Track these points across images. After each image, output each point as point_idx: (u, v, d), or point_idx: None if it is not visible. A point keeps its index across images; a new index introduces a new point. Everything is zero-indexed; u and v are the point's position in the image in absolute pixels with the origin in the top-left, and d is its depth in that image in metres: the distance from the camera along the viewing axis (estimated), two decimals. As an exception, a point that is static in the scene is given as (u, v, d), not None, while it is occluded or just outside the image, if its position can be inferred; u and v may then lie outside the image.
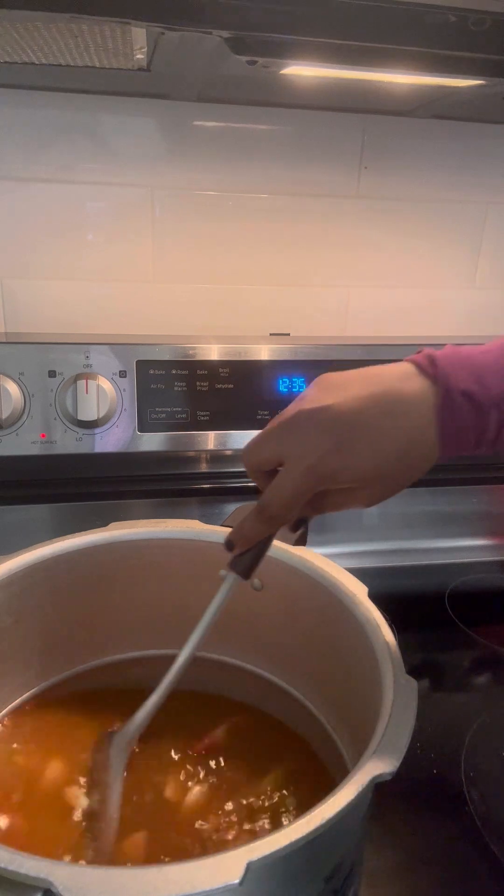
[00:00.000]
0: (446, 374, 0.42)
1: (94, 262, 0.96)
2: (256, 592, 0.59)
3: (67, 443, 0.84)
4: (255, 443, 0.45)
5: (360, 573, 0.54)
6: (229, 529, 0.60)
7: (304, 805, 0.47)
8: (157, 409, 0.86)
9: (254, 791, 0.51)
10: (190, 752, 0.54)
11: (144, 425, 0.86)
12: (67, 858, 0.45)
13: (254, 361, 0.88)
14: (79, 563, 0.58)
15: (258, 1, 0.55)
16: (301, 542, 0.59)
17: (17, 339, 0.86)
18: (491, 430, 0.42)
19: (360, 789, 0.35)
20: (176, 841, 0.47)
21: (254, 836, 0.47)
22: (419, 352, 0.44)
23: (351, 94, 0.83)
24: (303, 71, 0.68)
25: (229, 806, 0.50)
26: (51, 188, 0.91)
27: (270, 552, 0.57)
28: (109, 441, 0.85)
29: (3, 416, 0.80)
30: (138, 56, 0.66)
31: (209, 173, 0.95)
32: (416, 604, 0.89)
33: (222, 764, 0.53)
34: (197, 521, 0.61)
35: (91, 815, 0.48)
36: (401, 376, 0.43)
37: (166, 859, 0.45)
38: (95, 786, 0.50)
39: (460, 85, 0.72)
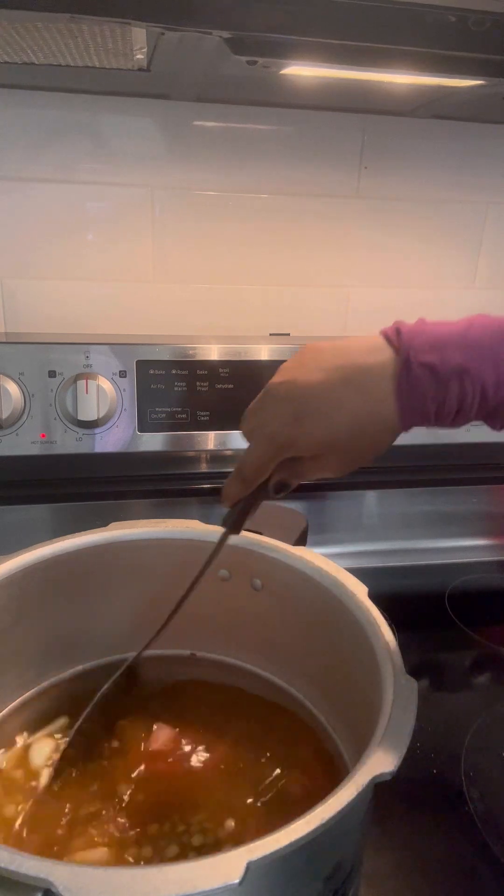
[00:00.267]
0: (408, 345, 0.43)
1: (94, 262, 0.96)
2: (256, 592, 0.59)
3: (67, 443, 0.84)
4: (244, 415, 0.49)
5: (360, 573, 0.54)
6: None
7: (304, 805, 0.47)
8: (157, 409, 0.86)
9: (253, 790, 0.51)
10: (189, 752, 0.54)
11: (144, 425, 0.86)
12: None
13: (254, 361, 0.88)
14: (79, 563, 0.58)
15: (258, 1, 0.55)
16: (301, 541, 0.59)
17: (17, 339, 0.86)
18: (450, 402, 0.43)
19: (360, 789, 0.35)
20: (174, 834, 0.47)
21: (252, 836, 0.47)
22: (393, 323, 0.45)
23: (351, 94, 0.83)
24: (303, 71, 0.68)
25: (228, 805, 0.50)
26: (51, 188, 0.91)
27: (269, 552, 0.58)
28: (109, 441, 0.85)
29: (3, 416, 0.80)
30: (138, 56, 0.66)
31: (209, 173, 0.95)
32: (416, 604, 0.89)
33: (222, 764, 0.53)
34: (197, 521, 0.61)
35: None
36: (369, 349, 0.44)
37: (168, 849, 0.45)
38: None
39: (460, 85, 0.72)
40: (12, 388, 0.81)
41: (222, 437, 0.89)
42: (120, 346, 0.84)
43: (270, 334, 0.97)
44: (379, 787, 0.37)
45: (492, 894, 0.52)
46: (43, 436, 0.83)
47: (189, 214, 0.96)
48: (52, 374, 0.82)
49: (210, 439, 0.88)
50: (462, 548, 1.00)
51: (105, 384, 0.83)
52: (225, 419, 0.88)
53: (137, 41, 0.61)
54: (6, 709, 0.57)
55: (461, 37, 0.58)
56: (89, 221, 0.94)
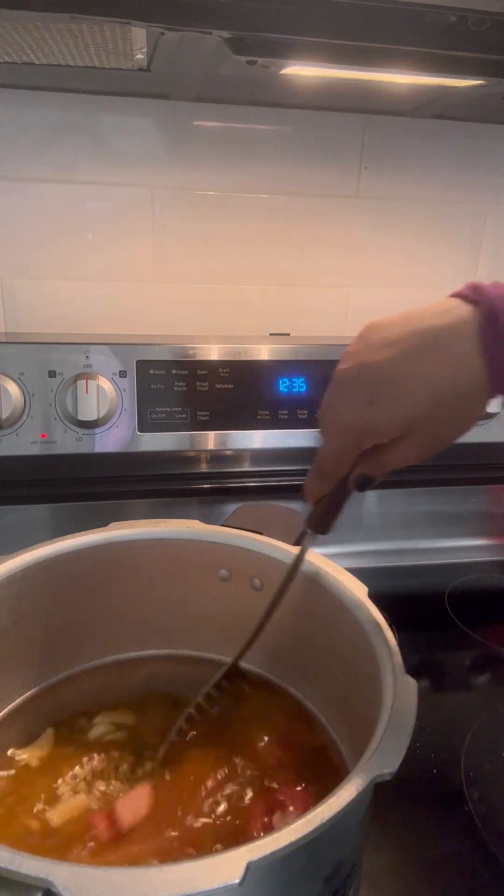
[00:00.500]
0: (491, 296, 0.40)
1: (94, 262, 0.96)
2: (256, 592, 0.59)
3: (67, 443, 0.84)
4: (320, 411, 0.46)
5: (360, 573, 0.54)
6: (229, 529, 0.60)
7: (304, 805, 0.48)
8: (157, 409, 0.86)
9: (252, 791, 0.51)
10: (188, 751, 0.54)
11: (144, 425, 0.86)
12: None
13: (254, 361, 0.88)
14: (79, 563, 0.58)
15: (258, 1, 0.55)
16: (301, 541, 0.58)
17: (17, 339, 0.86)
18: None
19: (360, 789, 0.35)
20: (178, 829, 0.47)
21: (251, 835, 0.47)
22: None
23: (351, 94, 0.83)
24: (303, 71, 0.68)
25: (228, 805, 0.50)
26: (51, 188, 0.91)
27: (269, 552, 0.58)
28: (109, 441, 0.85)
29: (3, 416, 0.80)
30: (138, 56, 0.66)
31: (209, 173, 0.95)
32: (416, 604, 0.89)
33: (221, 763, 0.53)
34: (197, 521, 0.61)
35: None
36: (440, 311, 0.41)
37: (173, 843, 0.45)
38: None
39: (460, 85, 0.72)
40: (12, 388, 0.81)
41: (222, 437, 0.89)
42: (120, 346, 0.84)
43: (270, 334, 0.97)
44: (379, 787, 0.37)
45: (492, 894, 0.52)
46: (43, 436, 0.83)
47: (189, 214, 0.96)
48: (52, 374, 0.82)
49: (210, 439, 0.88)
50: (462, 548, 1.00)
51: (105, 384, 0.83)
52: (225, 419, 0.88)
53: (137, 41, 0.61)
54: (6, 709, 0.57)
55: (461, 37, 0.58)
56: (89, 221, 0.94)
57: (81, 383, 0.82)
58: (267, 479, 0.91)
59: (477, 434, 0.68)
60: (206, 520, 0.61)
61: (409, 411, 0.41)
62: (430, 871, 0.53)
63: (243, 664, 0.59)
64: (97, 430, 0.84)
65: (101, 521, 0.60)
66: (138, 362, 0.84)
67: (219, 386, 0.87)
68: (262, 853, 0.31)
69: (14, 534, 0.85)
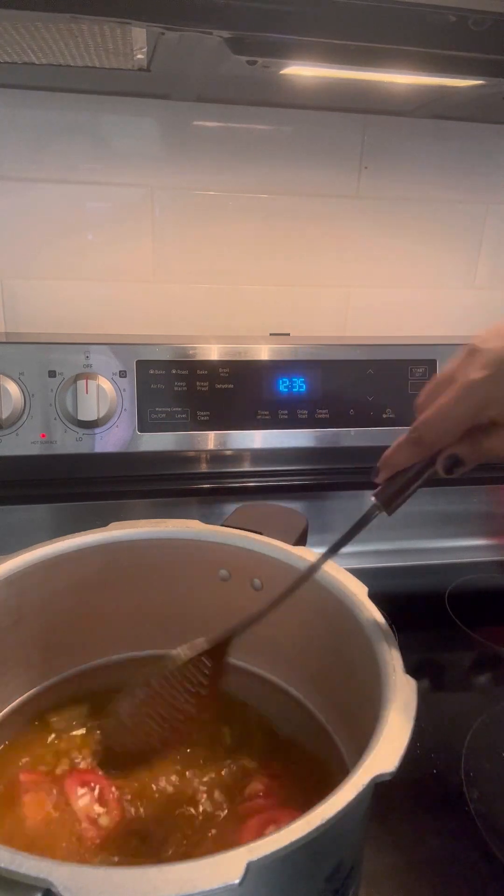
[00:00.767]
0: None
1: (94, 262, 0.96)
2: (256, 592, 0.59)
3: (67, 443, 0.84)
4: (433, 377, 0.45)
5: (360, 573, 0.54)
6: (229, 529, 0.60)
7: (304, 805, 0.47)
8: (157, 409, 0.86)
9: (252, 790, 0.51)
10: (189, 751, 0.54)
11: (144, 425, 0.86)
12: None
13: (254, 361, 0.88)
14: (79, 563, 0.58)
15: (258, 1, 0.55)
16: (301, 541, 0.58)
17: (17, 339, 0.86)
18: None
19: (360, 789, 0.35)
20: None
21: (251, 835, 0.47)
22: None
23: (351, 94, 0.83)
24: (303, 71, 0.68)
25: (227, 804, 0.50)
26: (51, 188, 0.91)
27: (269, 552, 0.58)
28: (109, 441, 0.85)
29: (3, 416, 0.80)
30: (138, 56, 0.66)
31: (209, 173, 0.95)
32: (416, 604, 0.89)
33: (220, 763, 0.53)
34: (197, 521, 0.61)
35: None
36: None
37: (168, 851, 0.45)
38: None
39: (460, 85, 0.72)
40: (12, 388, 0.81)
41: (222, 437, 0.89)
42: (120, 346, 0.84)
43: (270, 334, 0.97)
44: (379, 787, 0.36)
45: (492, 894, 0.52)
46: (43, 436, 0.83)
47: (189, 214, 0.96)
48: (52, 374, 0.82)
49: (210, 439, 0.88)
50: (462, 548, 1.00)
51: (105, 384, 0.83)
52: (225, 419, 0.88)
53: (137, 41, 0.61)
54: (6, 709, 0.57)
55: (461, 37, 0.58)
56: (89, 221, 0.94)
57: (81, 383, 0.82)
58: (267, 479, 0.91)
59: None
60: (206, 520, 0.61)
61: None
62: (430, 871, 0.53)
63: (243, 663, 0.59)
64: (97, 430, 0.84)
65: (101, 521, 0.60)
66: (138, 362, 0.84)
67: (219, 386, 0.87)
68: (262, 853, 0.31)
69: (14, 534, 0.85)
